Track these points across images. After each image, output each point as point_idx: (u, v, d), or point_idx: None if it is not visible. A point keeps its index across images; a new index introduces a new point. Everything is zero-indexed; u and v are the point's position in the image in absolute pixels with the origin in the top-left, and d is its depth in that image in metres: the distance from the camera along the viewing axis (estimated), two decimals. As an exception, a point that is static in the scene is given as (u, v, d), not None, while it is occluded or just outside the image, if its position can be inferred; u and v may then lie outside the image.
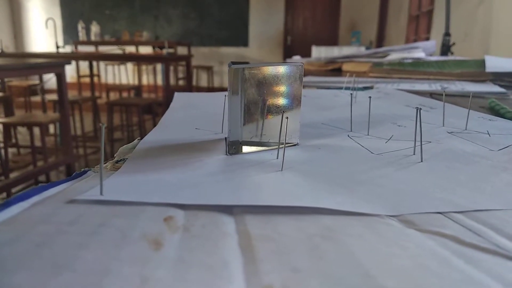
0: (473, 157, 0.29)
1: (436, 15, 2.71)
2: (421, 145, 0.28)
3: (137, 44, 4.89)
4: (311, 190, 0.22)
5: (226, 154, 0.29)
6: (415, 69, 1.11)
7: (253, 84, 0.28)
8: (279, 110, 0.30)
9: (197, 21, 5.31)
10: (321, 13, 4.97)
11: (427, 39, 2.77)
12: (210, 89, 5.13)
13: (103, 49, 4.87)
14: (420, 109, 0.28)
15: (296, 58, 1.83)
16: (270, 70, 0.29)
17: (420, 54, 1.37)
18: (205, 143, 0.33)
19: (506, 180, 0.24)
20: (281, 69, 0.29)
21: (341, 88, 0.69)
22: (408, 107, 0.50)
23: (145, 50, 5.02)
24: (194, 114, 0.46)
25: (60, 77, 2.37)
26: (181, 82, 4.76)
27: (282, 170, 0.26)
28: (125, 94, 4.43)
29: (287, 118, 0.27)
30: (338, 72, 1.38)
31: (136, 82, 4.86)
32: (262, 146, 0.30)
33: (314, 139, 0.34)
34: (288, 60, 1.74)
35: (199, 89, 5.16)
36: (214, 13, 5.23)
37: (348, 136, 0.35)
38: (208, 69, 5.06)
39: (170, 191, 0.21)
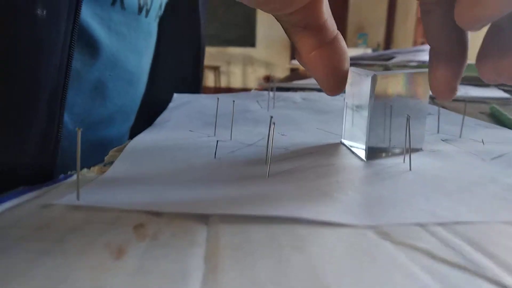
0: (463, 166, 0.28)
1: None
2: (410, 153, 0.28)
3: (145, 43, 4.92)
4: (293, 198, 0.21)
5: (364, 160, 0.29)
6: (420, 73, 1.10)
7: (384, 91, 0.29)
8: (404, 115, 0.30)
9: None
10: (329, 14, 4.95)
11: (435, 42, 2.74)
12: (217, 89, 5.13)
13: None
14: (409, 117, 0.28)
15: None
16: (403, 76, 0.29)
17: (426, 57, 1.36)
18: (196, 146, 0.33)
19: (493, 192, 0.23)
20: (412, 76, 0.30)
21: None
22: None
23: (153, 49, 5.04)
24: (191, 116, 0.46)
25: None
26: (188, 82, 4.77)
27: (267, 177, 0.25)
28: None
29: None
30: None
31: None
32: (388, 152, 0.31)
33: (307, 144, 0.34)
34: (293, 61, 1.75)
35: (206, 89, 5.16)
36: (221, 13, 5.24)
37: (341, 142, 0.35)
38: (215, 69, 5.08)
39: (150, 197, 0.21)
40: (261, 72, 5.19)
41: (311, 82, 0.95)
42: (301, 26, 0.24)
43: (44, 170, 0.32)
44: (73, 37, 0.32)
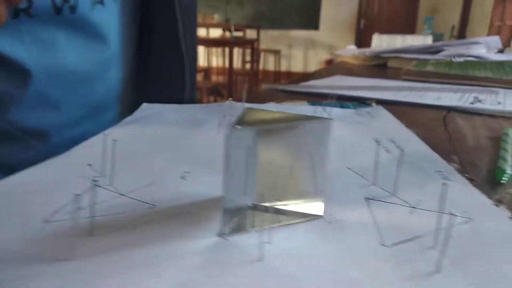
0: (339, 259, 0.21)
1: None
2: (265, 238, 0.21)
3: (208, 26, 4.96)
4: None
5: (220, 236, 0.23)
6: (463, 72, 0.96)
7: (265, 140, 0.23)
8: (299, 170, 0.25)
9: (268, 4, 5.23)
10: (399, -5, 4.62)
11: (513, 27, 2.44)
12: (277, 72, 5.05)
13: (175, 31, 5.00)
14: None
15: (351, 48, 1.71)
16: (288, 130, 0.24)
17: (480, 51, 1.19)
18: (58, 196, 0.28)
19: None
20: (303, 128, 0.24)
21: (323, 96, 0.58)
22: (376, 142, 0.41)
23: (217, 32, 5.07)
24: (132, 138, 0.41)
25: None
26: (247, 66, 4.75)
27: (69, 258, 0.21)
28: (192, 77, 4.54)
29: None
30: (383, 68, 1.26)
31: (206, 64, 4.96)
32: (277, 214, 0.25)
33: (189, 197, 0.28)
34: (340, 51, 1.65)
35: (266, 73, 5.11)
36: (286, -4, 5.11)
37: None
38: (276, 53, 4.99)
39: None
40: (323, 55, 5.02)
41: (314, 84, 0.85)
42: None
43: None
44: None
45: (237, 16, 5.37)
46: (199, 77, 4.63)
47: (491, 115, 0.58)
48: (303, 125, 0.24)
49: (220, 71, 5.04)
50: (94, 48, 0.45)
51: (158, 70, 0.59)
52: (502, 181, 0.32)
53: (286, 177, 0.24)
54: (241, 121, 0.23)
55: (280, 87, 0.79)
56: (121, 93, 0.54)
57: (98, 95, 0.49)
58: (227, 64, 4.95)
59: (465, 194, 0.28)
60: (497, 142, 0.43)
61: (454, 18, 4.17)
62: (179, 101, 0.56)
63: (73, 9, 0.40)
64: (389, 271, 0.20)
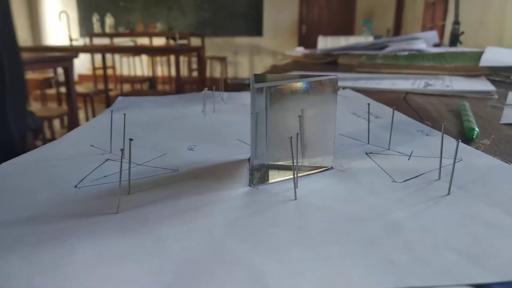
0: (359, 193, 0.23)
1: (452, 1, 2.57)
2: (296, 180, 0.23)
3: (151, 35, 4.88)
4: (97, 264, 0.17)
5: (250, 186, 0.25)
6: (410, 63, 1.04)
7: (279, 101, 0.25)
8: (309, 128, 0.27)
9: (211, 12, 5.26)
10: (336, 1, 4.84)
11: (443, 27, 2.64)
12: (224, 79, 5.07)
13: (117, 41, 4.88)
14: (298, 135, 0.24)
15: (299, 49, 1.77)
16: (299, 86, 0.26)
17: (420, 46, 1.29)
18: (76, 168, 0.29)
19: (365, 234, 0.19)
20: (312, 84, 0.26)
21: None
22: (355, 115, 0.45)
23: (160, 41, 5.01)
24: (114, 125, 0.42)
25: (67, 71, 2.37)
26: (194, 74, 4.74)
27: (117, 212, 0.22)
28: (137, 86, 4.45)
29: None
30: (334, 65, 1.32)
31: (151, 74, 4.88)
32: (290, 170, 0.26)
33: (211, 161, 0.30)
34: (288, 52, 1.70)
35: (213, 80, 5.11)
36: (227, 3, 5.17)
37: (249, 158, 0.30)
38: (222, 60, 5.02)
39: None
40: (269, 61, 5.12)
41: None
42: None
43: None
44: None
45: (180, 25, 5.34)
46: (145, 86, 4.55)
47: (443, 95, 0.64)
48: (311, 82, 0.26)
49: (166, 80, 4.97)
50: None
51: None
52: (473, 137, 0.36)
53: (298, 135, 0.26)
54: (257, 82, 0.25)
55: (247, 81, 0.81)
56: None
57: None
58: (172, 73, 4.90)
59: (450, 144, 0.32)
60: (457, 114, 0.48)
61: (389, 21, 4.44)
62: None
63: None
64: (407, 197, 0.23)
